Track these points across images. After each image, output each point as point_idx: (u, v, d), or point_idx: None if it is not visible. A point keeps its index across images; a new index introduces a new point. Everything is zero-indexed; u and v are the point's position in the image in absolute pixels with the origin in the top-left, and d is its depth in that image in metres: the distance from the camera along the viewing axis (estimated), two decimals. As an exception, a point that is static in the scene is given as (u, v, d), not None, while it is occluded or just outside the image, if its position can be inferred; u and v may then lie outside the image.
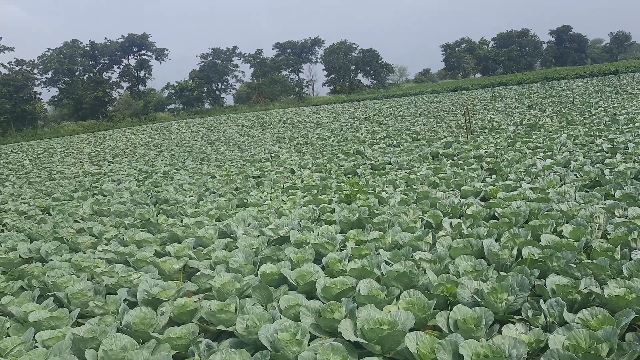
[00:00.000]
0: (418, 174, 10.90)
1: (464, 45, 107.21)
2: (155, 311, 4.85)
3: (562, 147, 11.88)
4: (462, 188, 8.66)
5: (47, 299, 5.64)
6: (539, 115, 19.89)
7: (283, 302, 4.84)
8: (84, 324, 4.75)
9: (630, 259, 4.64)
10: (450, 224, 6.76)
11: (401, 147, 15.83)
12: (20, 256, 7.44)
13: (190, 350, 4.24)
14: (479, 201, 7.73)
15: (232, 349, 3.92)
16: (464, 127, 17.80)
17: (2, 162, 26.89)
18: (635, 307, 3.80)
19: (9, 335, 4.82)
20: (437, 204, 7.77)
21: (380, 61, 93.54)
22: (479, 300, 4.41)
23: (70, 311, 5.19)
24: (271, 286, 5.33)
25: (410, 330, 4.06)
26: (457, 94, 50.88)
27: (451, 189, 9.11)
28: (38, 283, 6.14)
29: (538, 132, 15.14)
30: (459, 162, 11.76)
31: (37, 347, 4.31)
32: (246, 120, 43.40)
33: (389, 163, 13.06)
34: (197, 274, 5.95)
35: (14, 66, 65.33)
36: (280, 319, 4.46)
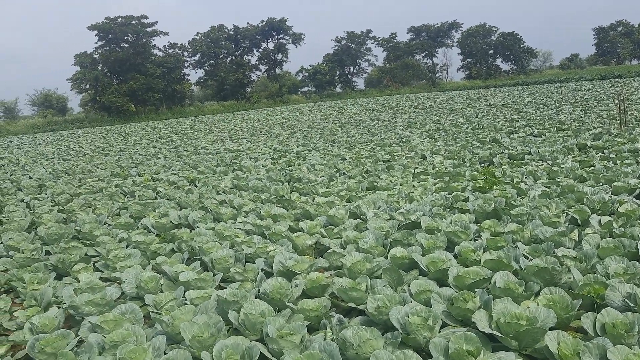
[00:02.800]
0: (562, 166, 10.15)
1: (620, 28, 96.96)
2: (289, 282, 5.09)
3: None
4: (614, 184, 7.91)
5: (194, 262, 6.16)
6: None
7: (414, 287, 4.82)
8: (225, 288, 5.12)
9: None
10: (599, 221, 6.22)
11: (543, 136, 14.83)
12: (171, 221, 8.20)
13: (322, 323, 4.40)
14: (634, 199, 7.02)
15: (363, 327, 3.99)
16: (617, 118, 16.20)
17: (155, 136, 29.66)
18: None
19: (162, 291, 5.35)
20: (584, 199, 7.19)
21: (522, 45, 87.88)
22: (631, 305, 4.03)
23: (214, 275, 5.63)
24: (401, 270, 5.33)
25: (551, 329, 3.83)
26: (609, 82, 46.37)
27: (601, 184, 8.37)
28: (186, 247, 6.72)
29: None
30: (611, 155, 10.75)
31: (187, 304, 4.73)
32: (376, 104, 43.39)
33: (529, 153, 12.32)
34: (328, 251, 6.13)
35: (167, 49, 71.45)
36: (411, 302, 4.44)
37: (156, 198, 10.64)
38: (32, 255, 6.80)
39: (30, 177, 15.78)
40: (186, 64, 73.60)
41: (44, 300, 5.23)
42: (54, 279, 6.04)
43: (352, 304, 4.74)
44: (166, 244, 6.92)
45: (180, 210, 9.00)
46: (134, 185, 12.45)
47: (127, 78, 63.60)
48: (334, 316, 4.38)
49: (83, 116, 64.60)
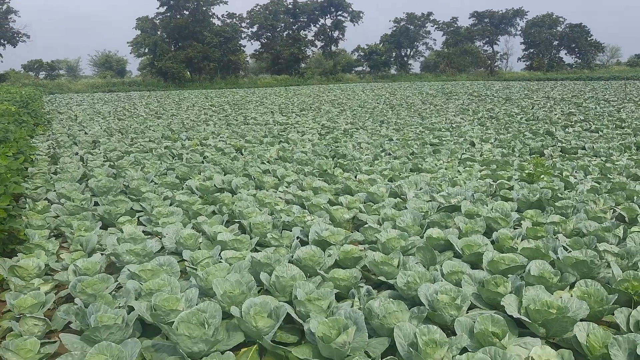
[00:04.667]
0: (616, 163, 9.78)
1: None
2: (323, 252, 5.16)
3: None
4: (670, 185, 7.58)
5: (233, 224, 6.33)
6: None
7: (446, 267, 4.80)
8: (260, 252, 5.25)
9: None
10: (649, 220, 6.01)
11: (600, 132, 14.28)
12: (214, 185, 8.41)
13: (351, 293, 4.47)
14: (690, 202, 6.71)
15: (391, 299, 4.03)
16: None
17: (207, 104, 30.23)
18: None
19: (200, 249, 5.54)
20: (635, 197, 6.94)
21: (589, 38, 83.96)
22: (671, 305, 3.91)
23: (251, 238, 5.77)
24: (436, 250, 5.31)
25: (582, 320, 3.76)
26: (680, 82, 43.86)
27: (655, 184, 8.02)
28: (227, 210, 6.90)
29: None
30: (671, 156, 10.26)
31: (222, 262, 4.89)
32: (430, 89, 42.65)
33: (583, 148, 11.92)
34: (364, 226, 6.17)
35: (225, 19, 72.12)
36: (441, 281, 4.44)
37: (202, 162, 10.92)
38: (82, 204, 7.14)
39: (86, 133, 16.46)
40: (243, 35, 74.22)
41: (88, 246, 5.51)
42: (100, 228, 6.35)
43: (382, 278, 4.78)
44: (208, 206, 7.13)
45: (225, 175, 9.22)
46: (183, 148, 12.79)
47: (184, 45, 64.76)
48: (363, 287, 4.43)
49: (140, 80, 66.40)
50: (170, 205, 7.27)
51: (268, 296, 4.14)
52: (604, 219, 6.07)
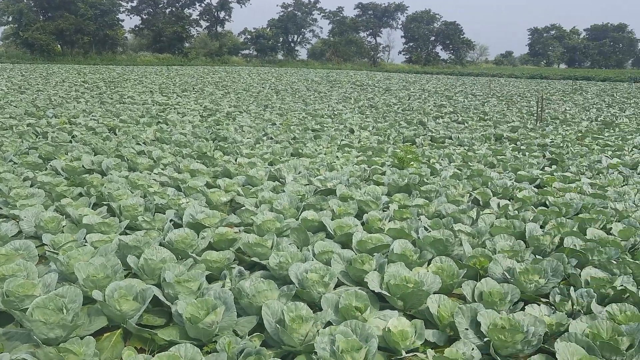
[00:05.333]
0: (477, 152, 10.71)
1: (553, 32, 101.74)
2: (197, 235, 5.12)
3: (634, 148, 11.30)
4: (519, 172, 8.46)
5: (102, 207, 6.04)
6: (617, 114, 18.85)
7: (318, 247, 4.99)
8: (130, 235, 5.07)
9: (677, 266, 4.47)
10: (498, 204, 6.67)
11: (466, 124, 15.50)
12: (83, 166, 7.93)
13: (223, 274, 4.48)
14: (533, 187, 7.55)
15: (261, 279, 4.11)
16: (535, 115, 17.16)
17: (80, 80, 28.21)
18: (669, 311, 3.70)
19: (63, 232, 5.23)
20: (489, 183, 7.65)
21: (462, 36, 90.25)
22: (509, 277, 4.40)
23: (120, 221, 5.55)
24: (310, 232, 5.49)
25: (436, 293, 4.11)
26: (535, 81, 48.68)
27: (507, 171, 8.91)
28: (95, 192, 6.56)
29: (612, 131, 14.43)
30: (522, 147, 11.43)
31: (86, 246, 4.65)
32: (316, 76, 43.35)
33: (450, 138, 12.86)
34: (241, 209, 6.19)
35: (102, -10, 67.60)
36: (312, 261, 4.61)
37: (70, 142, 10.23)
38: None
39: None
40: (121, 9, 69.96)
41: None
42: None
43: (256, 259, 4.85)
44: (74, 188, 6.71)
45: (95, 156, 8.72)
46: (48, 126, 11.87)
47: (55, 16, 59.70)
48: (235, 268, 4.47)
49: (2, 51, 60.13)
50: (31, 186, 6.74)
51: (135, 279, 4.03)
52: (461, 202, 6.64)
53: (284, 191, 7.08)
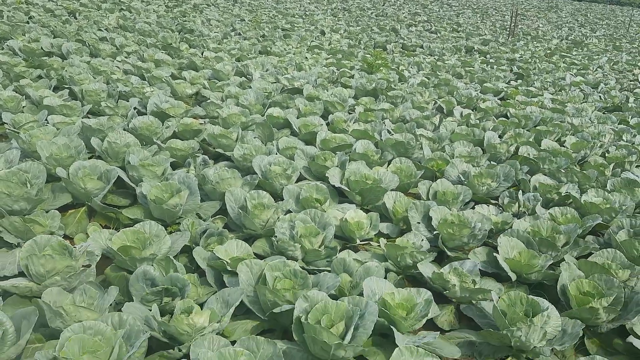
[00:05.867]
0: (446, 62, 10.70)
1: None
2: (161, 123, 5.09)
3: (598, 68, 11.51)
4: (485, 84, 8.56)
5: (63, 90, 5.88)
6: (587, 34, 18.93)
7: (282, 143, 5.06)
8: (93, 119, 5.01)
9: (619, 177, 4.77)
10: (461, 113, 6.80)
11: (438, 34, 15.32)
12: (42, 48, 7.59)
13: (187, 162, 4.54)
14: (497, 99, 7.69)
15: (225, 168, 4.19)
16: (508, 30, 17.06)
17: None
18: (604, 216, 4.01)
19: (24, 112, 5.11)
20: (455, 92, 7.75)
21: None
22: (463, 180, 4.62)
23: (82, 105, 5.44)
24: (275, 128, 5.53)
25: (392, 190, 4.29)
26: (512, -4, 47.74)
27: (474, 82, 9.01)
28: (56, 75, 6.34)
29: (580, 50, 14.56)
30: (491, 60, 11.47)
31: (48, 126, 4.58)
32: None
33: (421, 47, 12.74)
34: (207, 101, 6.13)
35: None
36: (276, 154, 4.69)
37: (27, 22, 9.68)
38: None
39: None
40: None
41: None
42: None
43: (220, 150, 4.90)
44: (33, 69, 6.47)
45: (54, 38, 8.32)
46: (3, 5, 11.13)
47: None
48: (199, 156, 4.52)
49: None
50: (-13, 65, 6.45)
51: (99, 160, 4.04)
52: (425, 109, 6.74)
53: (250, 87, 7.01)
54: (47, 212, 3.32)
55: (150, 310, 2.52)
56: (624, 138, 6.23)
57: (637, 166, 5.43)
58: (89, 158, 4.35)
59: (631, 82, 9.98)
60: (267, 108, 6.15)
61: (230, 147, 4.87)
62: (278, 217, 3.65)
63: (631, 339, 2.75)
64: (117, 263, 3.08)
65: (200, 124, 5.44)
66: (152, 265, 2.89)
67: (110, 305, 2.67)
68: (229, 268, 3.04)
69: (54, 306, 2.39)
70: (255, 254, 3.39)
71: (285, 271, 2.90)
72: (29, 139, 4.11)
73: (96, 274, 2.99)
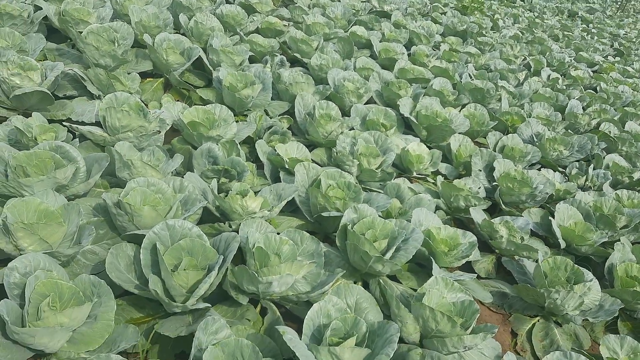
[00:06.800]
0: (545, 21, 10.08)
1: None
2: (247, 16, 5.06)
3: None
4: (580, 53, 8.05)
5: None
6: None
7: (360, 62, 4.97)
8: None
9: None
10: (549, 75, 6.48)
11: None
12: None
13: (265, 59, 4.54)
14: (590, 70, 7.26)
15: (301, 73, 4.19)
16: (619, 3, 15.78)
17: None
18: (672, 211, 3.83)
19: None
20: (547, 53, 7.34)
21: None
22: (535, 141, 4.47)
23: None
24: (356, 47, 5.43)
25: (460, 134, 4.21)
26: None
27: (569, 48, 8.48)
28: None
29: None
30: (592, 30, 10.71)
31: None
32: None
33: (523, 0, 12.00)
34: (295, 4, 6.04)
35: None
36: (352, 72, 4.63)
37: None
38: None
39: None
40: None
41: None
42: None
43: (298, 55, 4.87)
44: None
45: None
46: None
47: None
48: (277, 56, 4.51)
49: None
50: None
51: (183, 37, 4.10)
52: (513, 62, 6.44)
53: (339, 1, 6.84)
54: (128, 73, 3.43)
55: (209, 185, 2.63)
56: None
57: None
58: (175, 33, 4.41)
59: None
60: (352, 25, 6.01)
61: (308, 55, 4.83)
62: (342, 132, 3.66)
63: (667, 331, 2.71)
64: (184, 136, 3.19)
65: (284, 25, 5.39)
66: (218, 145, 2.98)
67: (174, 171, 2.80)
68: (286, 166, 3.11)
69: (125, 157, 2.52)
70: (312, 160, 3.44)
71: (340, 181, 2.94)
72: (122, 1, 4.18)
73: (164, 142, 3.12)
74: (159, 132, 3.04)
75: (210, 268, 2.03)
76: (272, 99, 3.96)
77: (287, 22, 5.71)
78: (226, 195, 2.58)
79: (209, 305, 1.96)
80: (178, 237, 2.10)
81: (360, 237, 2.41)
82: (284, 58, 4.51)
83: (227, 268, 2.11)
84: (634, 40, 10.95)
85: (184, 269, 2.01)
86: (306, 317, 1.96)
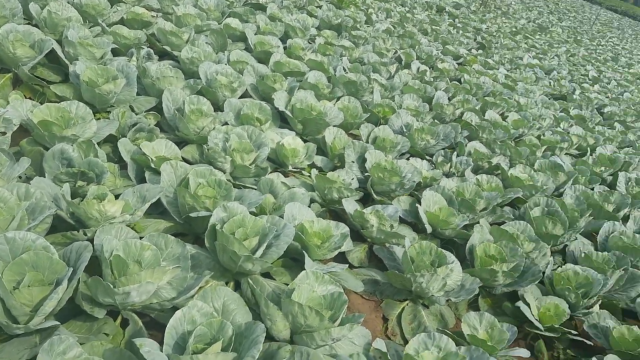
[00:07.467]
0: (415, 15, 10.59)
1: None
2: (110, 5, 4.75)
3: (555, 56, 11.79)
4: (447, 46, 8.57)
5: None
6: (554, 22, 19.24)
7: (234, 55, 4.87)
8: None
9: (547, 159, 4.97)
10: (418, 68, 6.80)
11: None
12: None
13: (130, 52, 4.28)
14: (455, 63, 7.74)
15: (170, 66, 4.01)
16: (482, 0, 17.03)
17: None
18: (525, 191, 4.18)
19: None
20: (417, 47, 7.71)
21: None
22: (405, 131, 4.66)
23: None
24: (230, 39, 5.32)
25: (335, 126, 4.27)
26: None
27: (437, 42, 8.98)
28: None
29: (543, 35, 14.81)
30: (458, 25, 11.45)
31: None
32: None
33: (394, -6, 12.51)
34: (164, -6, 5.78)
35: None
36: (226, 65, 4.52)
37: None
38: None
39: None
40: None
41: None
42: None
43: (167, 48, 4.67)
44: None
45: None
46: None
47: None
48: (144, 49, 4.29)
49: None
50: None
51: (35, 28, 3.74)
52: (385, 56, 6.68)
53: (212, -7, 6.65)
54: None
55: (61, 190, 2.42)
56: (561, 126, 6.48)
57: (566, 153, 5.69)
58: (26, 24, 4.02)
59: (581, 77, 10.30)
60: (226, 17, 5.88)
61: (178, 47, 4.64)
62: (214, 127, 3.56)
63: (519, 304, 2.95)
64: (34, 137, 2.92)
65: (152, 16, 5.13)
66: (72, 146, 2.75)
67: (20, 177, 2.54)
68: (152, 165, 2.95)
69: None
70: (183, 158, 3.31)
71: (210, 179, 2.85)
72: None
73: (10, 144, 2.82)
74: (4, 133, 2.75)
75: (59, 282, 1.86)
76: (138, 94, 3.74)
77: (156, 13, 5.44)
78: (82, 200, 2.39)
79: (58, 323, 1.79)
80: (20, 251, 1.90)
81: (229, 236, 2.35)
82: (152, 51, 4.30)
83: (79, 280, 1.95)
84: (494, 34, 11.87)
85: (28, 286, 1.83)
86: (168, 325, 1.87)
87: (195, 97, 3.69)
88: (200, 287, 2.27)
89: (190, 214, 2.61)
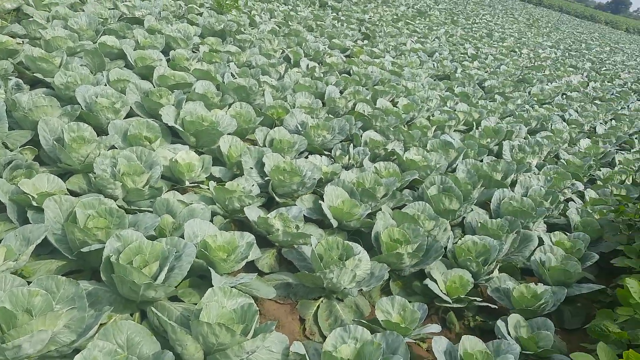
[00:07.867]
0: (299, 13, 10.68)
1: None
2: (-34, 36, 4.38)
3: (436, 39, 12.38)
4: (333, 40, 8.72)
5: None
6: (431, 6, 20.22)
7: (113, 74, 4.67)
8: None
9: (438, 138, 5.21)
10: (308, 65, 6.87)
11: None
12: None
13: (-4, 83, 3.98)
14: (343, 56, 7.90)
15: (43, 95, 3.76)
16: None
17: None
18: (421, 172, 4.37)
19: None
20: (304, 44, 7.79)
21: None
22: (301, 130, 4.70)
23: None
24: (107, 58, 5.09)
25: (229, 135, 4.21)
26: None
27: (323, 37, 9.13)
28: None
29: (423, 20, 15.51)
30: (342, 18, 11.70)
31: None
32: None
33: (277, -6, 12.54)
34: (29, 19, 5.41)
35: None
36: (105, 86, 4.31)
37: None
38: None
39: None
40: None
41: None
42: None
43: (39, 75, 4.38)
44: None
45: None
46: None
47: None
48: (12, 79, 3.99)
49: None
50: None
51: None
52: (273, 56, 6.69)
53: (83, 10, 6.33)
54: None
55: None
56: (447, 104, 6.82)
57: (454, 130, 6.00)
58: None
59: (461, 55, 10.91)
60: (101, 35, 5.61)
61: (51, 73, 4.36)
62: (99, 153, 3.38)
63: (427, 281, 3.07)
64: None
65: (18, 43, 4.79)
66: (-63, 196, 2.50)
67: None
68: (34, 204, 2.75)
69: None
70: (69, 190, 3.12)
71: (100, 209, 2.71)
72: None
73: None
74: None
75: None
76: (11, 128, 3.48)
77: (22, 40, 5.09)
78: (-46, 255, 2.18)
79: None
80: None
81: (126, 266, 2.24)
82: (21, 81, 4.01)
83: (-42, 344, 1.77)
84: (377, 23, 12.26)
85: None
86: (67, 373, 1.76)
87: (74, 124, 3.49)
88: (101, 324, 2.15)
89: (82, 249, 2.46)
